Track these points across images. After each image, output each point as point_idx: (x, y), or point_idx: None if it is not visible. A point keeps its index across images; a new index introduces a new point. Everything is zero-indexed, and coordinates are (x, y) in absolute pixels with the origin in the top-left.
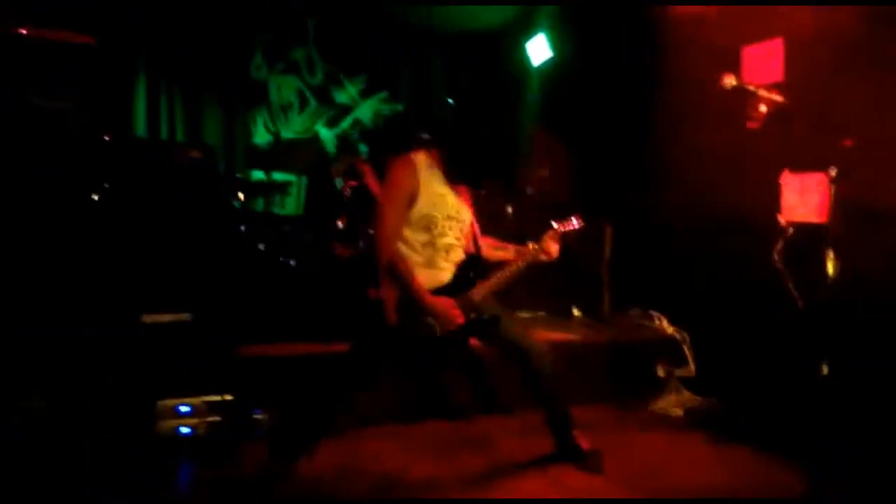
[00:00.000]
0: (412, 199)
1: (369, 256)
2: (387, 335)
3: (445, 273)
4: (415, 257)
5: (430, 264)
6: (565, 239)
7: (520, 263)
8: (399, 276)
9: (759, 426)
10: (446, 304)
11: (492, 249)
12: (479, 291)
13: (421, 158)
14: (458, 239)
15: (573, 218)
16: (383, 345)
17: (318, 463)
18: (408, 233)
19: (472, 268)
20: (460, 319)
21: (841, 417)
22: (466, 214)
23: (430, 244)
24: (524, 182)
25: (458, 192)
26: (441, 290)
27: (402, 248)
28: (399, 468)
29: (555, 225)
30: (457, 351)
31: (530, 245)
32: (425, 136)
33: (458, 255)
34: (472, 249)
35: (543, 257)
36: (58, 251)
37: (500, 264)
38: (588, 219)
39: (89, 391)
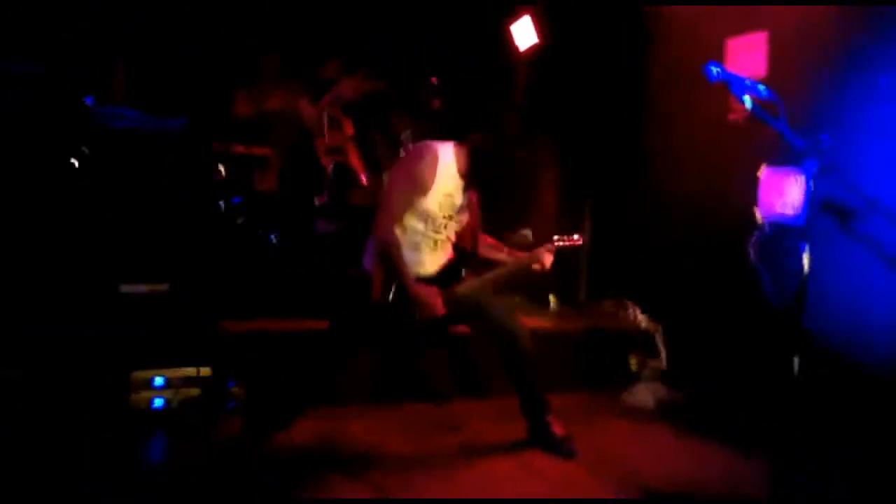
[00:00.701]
0: (423, 190)
1: (349, 234)
2: (367, 313)
3: (429, 263)
4: (404, 239)
5: (416, 249)
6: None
7: (510, 268)
8: (390, 259)
9: (728, 420)
10: (430, 293)
11: (488, 248)
12: (463, 287)
13: (445, 151)
14: (449, 238)
15: (575, 235)
16: (362, 323)
17: (292, 440)
18: (406, 219)
19: (461, 263)
20: (441, 310)
21: (811, 413)
22: (465, 216)
23: (423, 234)
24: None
25: (467, 195)
26: (427, 280)
27: (396, 228)
28: (373, 448)
29: (555, 238)
30: (432, 338)
31: (526, 253)
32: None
33: (447, 249)
34: (466, 246)
35: (536, 267)
36: (34, 218)
37: (493, 264)
38: (568, 203)
39: (63, 361)
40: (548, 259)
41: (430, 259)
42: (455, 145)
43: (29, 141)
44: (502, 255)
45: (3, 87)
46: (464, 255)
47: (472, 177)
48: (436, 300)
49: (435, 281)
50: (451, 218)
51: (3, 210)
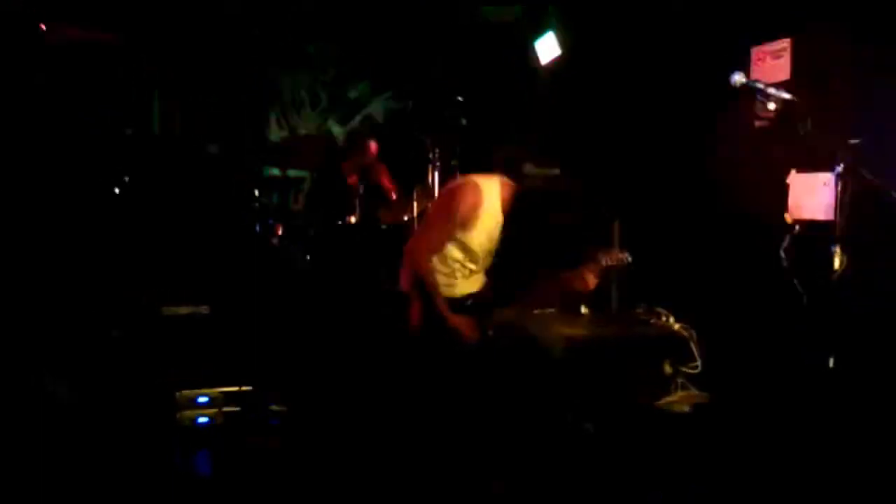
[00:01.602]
0: (464, 230)
1: (381, 253)
2: (406, 339)
3: (461, 287)
4: (441, 267)
5: (451, 275)
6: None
7: (551, 294)
8: (427, 289)
9: (765, 421)
10: (464, 323)
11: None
12: (504, 315)
13: (490, 189)
14: (486, 267)
15: (621, 254)
16: (401, 347)
17: (330, 454)
18: (446, 246)
19: (497, 289)
20: (475, 339)
21: (847, 411)
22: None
23: (461, 263)
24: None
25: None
26: (460, 303)
27: (433, 257)
28: (408, 464)
29: (600, 256)
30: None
31: (566, 273)
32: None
33: (482, 278)
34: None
35: (579, 286)
36: (81, 244)
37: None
38: (598, 215)
39: (111, 380)
40: (592, 281)
41: (464, 284)
42: (500, 180)
43: (74, 170)
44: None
45: (52, 119)
46: (498, 282)
47: (516, 218)
48: (470, 329)
49: (468, 308)
50: (490, 253)
51: (51, 238)
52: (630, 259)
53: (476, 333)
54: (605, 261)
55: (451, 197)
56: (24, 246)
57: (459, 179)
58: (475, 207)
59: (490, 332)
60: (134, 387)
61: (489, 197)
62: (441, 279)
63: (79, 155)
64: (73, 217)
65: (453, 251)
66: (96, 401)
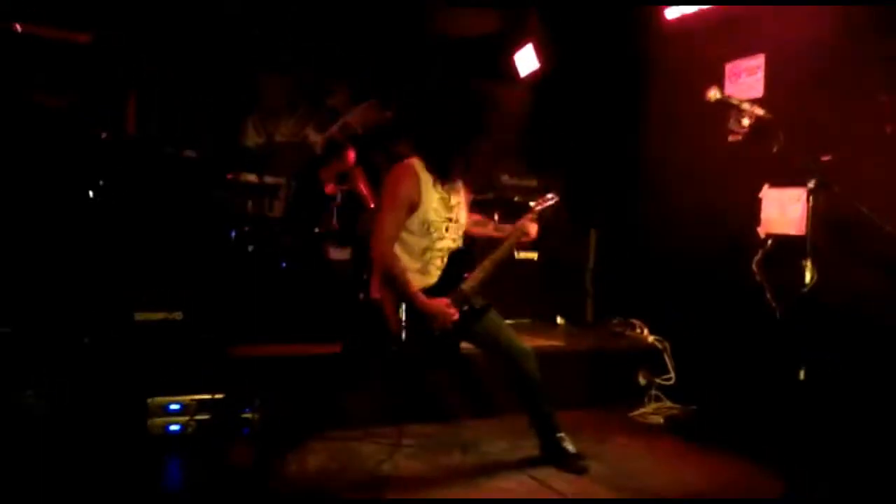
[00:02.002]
0: (413, 206)
1: (359, 260)
2: (380, 340)
3: (435, 274)
4: (412, 263)
5: (425, 271)
6: (547, 226)
7: (503, 248)
8: (394, 280)
9: (737, 432)
10: (440, 304)
11: (475, 225)
12: (469, 283)
13: (419, 164)
14: (454, 240)
15: (549, 194)
16: (375, 348)
17: (305, 462)
18: (408, 237)
19: (460, 263)
20: (455, 317)
21: (818, 422)
22: (463, 215)
23: (429, 248)
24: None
25: (455, 190)
26: (432, 290)
27: (400, 252)
28: (387, 469)
29: (532, 205)
30: (452, 350)
31: (510, 226)
32: (413, 140)
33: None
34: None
35: (524, 238)
36: (53, 249)
37: (483, 250)
38: (573, 227)
39: (81, 388)
40: (532, 228)
41: (438, 271)
42: (418, 156)
43: (46, 173)
44: (489, 229)
45: (27, 121)
46: (458, 255)
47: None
48: (447, 309)
49: (440, 288)
50: (450, 220)
51: (23, 240)
52: (557, 199)
53: (453, 312)
54: (538, 205)
55: (388, 183)
56: None
57: (394, 167)
58: (415, 181)
59: (465, 308)
60: (105, 394)
61: (420, 170)
62: (417, 278)
63: (52, 158)
64: (46, 221)
65: (417, 240)
66: (66, 408)
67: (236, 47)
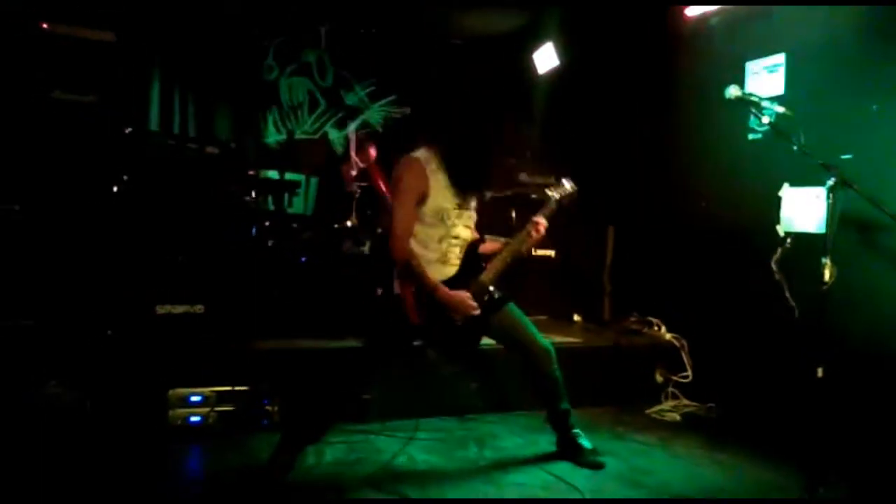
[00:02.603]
0: (423, 197)
1: (378, 255)
2: (403, 333)
3: (454, 265)
4: (429, 255)
5: (445, 260)
6: (563, 207)
7: (521, 236)
8: (413, 274)
9: (755, 430)
10: (462, 296)
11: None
12: (488, 274)
13: (425, 155)
14: (467, 227)
15: (566, 182)
16: (397, 342)
17: (323, 455)
18: (422, 230)
19: (477, 253)
20: (477, 309)
21: (836, 421)
22: (473, 202)
23: (446, 238)
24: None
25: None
26: (453, 281)
27: (417, 246)
28: (404, 463)
29: (548, 192)
30: (472, 344)
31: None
32: (426, 135)
33: (467, 244)
34: (476, 235)
35: (535, 233)
36: (77, 243)
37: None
38: (591, 224)
39: (104, 380)
40: (541, 225)
41: (458, 260)
42: (426, 148)
43: (71, 168)
44: (498, 244)
45: (52, 118)
46: (475, 245)
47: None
48: (470, 301)
49: (460, 279)
50: (462, 207)
51: (47, 234)
52: (575, 188)
53: (476, 303)
54: (554, 195)
55: (395, 178)
56: (21, 245)
57: (398, 162)
58: (421, 171)
59: (486, 298)
60: (127, 385)
61: (427, 161)
62: (436, 270)
63: (77, 154)
64: (70, 215)
65: (432, 230)
66: (91, 400)
67: (257, 46)
